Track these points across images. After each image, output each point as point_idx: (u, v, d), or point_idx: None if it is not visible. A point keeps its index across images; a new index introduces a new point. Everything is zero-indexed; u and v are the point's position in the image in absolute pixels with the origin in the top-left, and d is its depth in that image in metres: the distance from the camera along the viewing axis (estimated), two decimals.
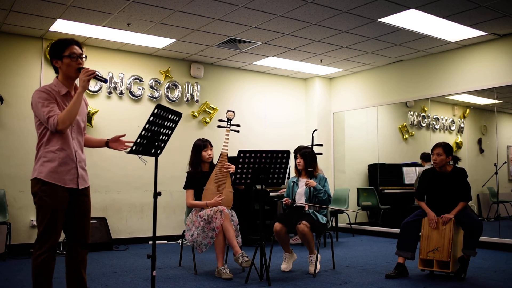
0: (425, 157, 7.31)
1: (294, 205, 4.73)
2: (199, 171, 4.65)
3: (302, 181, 4.77)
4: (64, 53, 2.76)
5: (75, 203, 2.83)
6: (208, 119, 7.47)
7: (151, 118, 2.90)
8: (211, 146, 4.70)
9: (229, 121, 4.72)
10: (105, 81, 3.04)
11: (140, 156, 3.05)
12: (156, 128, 2.97)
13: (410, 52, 7.02)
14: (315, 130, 5.50)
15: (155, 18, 5.50)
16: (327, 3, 5.08)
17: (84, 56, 2.83)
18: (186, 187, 4.64)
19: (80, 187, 2.83)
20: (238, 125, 4.79)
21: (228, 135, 4.69)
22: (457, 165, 4.61)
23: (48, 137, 2.74)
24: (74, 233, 2.87)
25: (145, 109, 6.88)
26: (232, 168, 4.56)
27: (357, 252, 5.94)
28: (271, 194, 6.61)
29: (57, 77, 2.86)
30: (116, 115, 6.68)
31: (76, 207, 2.84)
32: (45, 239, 2.71)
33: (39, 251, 2.71)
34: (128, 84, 6.79)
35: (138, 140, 2.89)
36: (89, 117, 6.33)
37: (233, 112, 4.78)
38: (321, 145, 4.96)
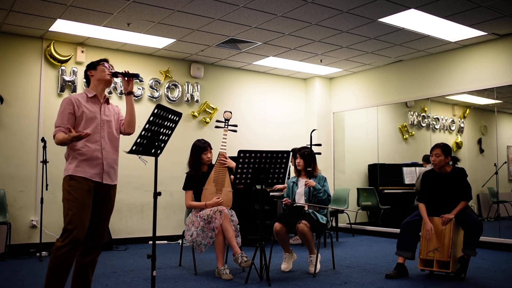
0: (426, 159, 7.32)
1: (294, 205, 4.73)
2: (199, 173, 4.65)
3: (302, 181, 4.77)
4: (98, 65, 3.17)
5: (99, 201, 2.98)
6: (208, 119, 7.47)
7: (151, 118, 2.91)
8: (211, 149, 4.71)
9: (226, 121, 4.75)
10: (135, 75, 3.27)
11: (140, 156, 3.09)
12: (156, 128, 2.98)
13: (410, 52, 7.02)
14: (314, 130, 5.50)
15: (155, 18, 5.51)
16: (327, 3, 5.08)
17: (115, 71, 3.21)
18: (185, 188, 4.64)
19: (104, 182, 2.97)
20: (236, 125, 4.83)
21: (226, 135, 4.72)
22: (456, 166, 4.61)
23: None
24: (91, 231, 2.96)
25: (145, 109, 6.87)
26: (229, 161, 4.58)
27: (357, 252, 5.94)
28: (272, 194, 6.61)
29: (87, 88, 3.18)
30: None
31: (98, 205, 2.98)
32: (69, 231, 2.79)
33: (61, 243, 2.79)
34: None
35: (138, 140, 2.90)
36: None
37: (230, 112, 4.83)
38: (319, 144, 4.96)
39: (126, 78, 3.18)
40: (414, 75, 7.35)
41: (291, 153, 4.58)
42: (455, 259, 4.25)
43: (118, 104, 6.75)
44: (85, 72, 3.21)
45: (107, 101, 3.18)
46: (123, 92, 3.27)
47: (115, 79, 6.72)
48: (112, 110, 3.19)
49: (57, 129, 2.92)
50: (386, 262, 5.14)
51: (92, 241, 2.99)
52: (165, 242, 6.87)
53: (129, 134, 3.24)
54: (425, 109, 7.94)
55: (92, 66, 3.19)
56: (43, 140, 5.53)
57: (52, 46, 6.18)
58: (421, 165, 7.70)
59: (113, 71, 3.19)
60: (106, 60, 3.23)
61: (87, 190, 2.90)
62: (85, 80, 3.24)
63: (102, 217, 3.04)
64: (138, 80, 3.25)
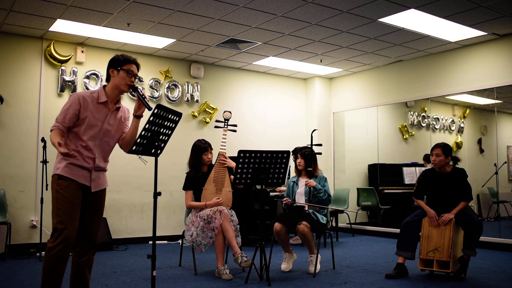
0: (427, 158, 7.31)
1: (294, 205, 4.73)
2: (199, 174, 4.65)
3: (302, 181, 4.77)
4: (123, 66, 2.98)
5: (88, 202, 2.94)
6: (208, 119, 7.47)
7: (151, 118, 2.90)
8: (211, 149, 4.71)
9: (226, 121, 4.75)
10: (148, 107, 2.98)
11: (140, 156, 3.07)
12: (156, 128, 2.97)
13: (410, 52, 7.02)
14: (314, 130, 5.50)
15: (155, 18, 5.51)
16: (327, 3, 5.08)
17: (138, 78, 2.94)
18: (185, 188, 4.64)
19: (93, 190, 2.95)
20: (235, 125, 4.83)
21: (225, 135, 4.72)
22: (456, 166, 4.61)
23: (69, 138, 2.91)
24: (84, 232, 2.94)
25: (145, 109, 6.86)
26: (229, 161, 4.58)
27: (357, 252, 5.94)
28: (272, 194, 6.61)
29: (104, 86, 3.03)
30: None
31: (89, 206, 2.95)
32: (60, 230, 2.76)
33: (52, 243, 2.76)
34: None
35: (138, 140, 2.90)
36: None
37: (230, 112, 4.82)
38: (320, 144, 4.96)
39: (139, 101, 2.98)
40: (414, 75, 7.35)
41: (291, 152, 4.58)
42: (455, 259, 4.25)
43: None
44: (108, 66, 3.02)
45: (117, 108, 3.04)
46: (133, 112, 3.08)
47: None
48: (118, 118, 3.06)
49: (55, 126, 2.84)
50: (386, 262, 5.14)
51: (85, 241, 2.97)
52: (165, 242, 6.87)
53: (124, 150, 3.13)
54: (425, 109, 7.94)
55: (115, 65, 2.99)
56: (43, 140, 5.53)
57: (52, 46, 6.18)
58: (421, 165, 7.70)
59: (133, 83, 3.00)
60: (134, 62, 3.01)
61: (75, 189, 2.86)
62: (105, 73, 3.05)
63: (94, 217, 3.00)
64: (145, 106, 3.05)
